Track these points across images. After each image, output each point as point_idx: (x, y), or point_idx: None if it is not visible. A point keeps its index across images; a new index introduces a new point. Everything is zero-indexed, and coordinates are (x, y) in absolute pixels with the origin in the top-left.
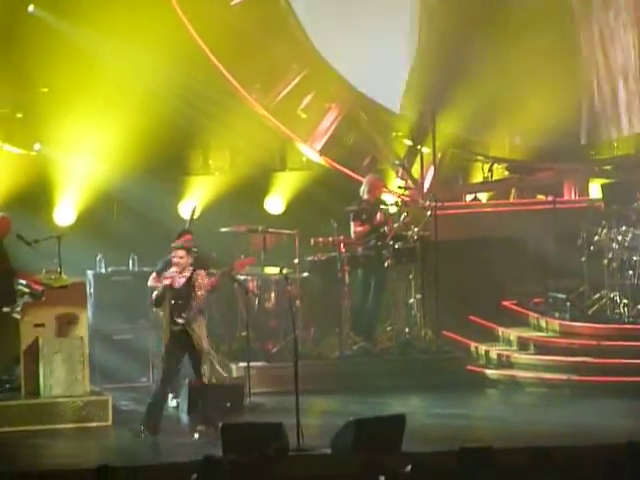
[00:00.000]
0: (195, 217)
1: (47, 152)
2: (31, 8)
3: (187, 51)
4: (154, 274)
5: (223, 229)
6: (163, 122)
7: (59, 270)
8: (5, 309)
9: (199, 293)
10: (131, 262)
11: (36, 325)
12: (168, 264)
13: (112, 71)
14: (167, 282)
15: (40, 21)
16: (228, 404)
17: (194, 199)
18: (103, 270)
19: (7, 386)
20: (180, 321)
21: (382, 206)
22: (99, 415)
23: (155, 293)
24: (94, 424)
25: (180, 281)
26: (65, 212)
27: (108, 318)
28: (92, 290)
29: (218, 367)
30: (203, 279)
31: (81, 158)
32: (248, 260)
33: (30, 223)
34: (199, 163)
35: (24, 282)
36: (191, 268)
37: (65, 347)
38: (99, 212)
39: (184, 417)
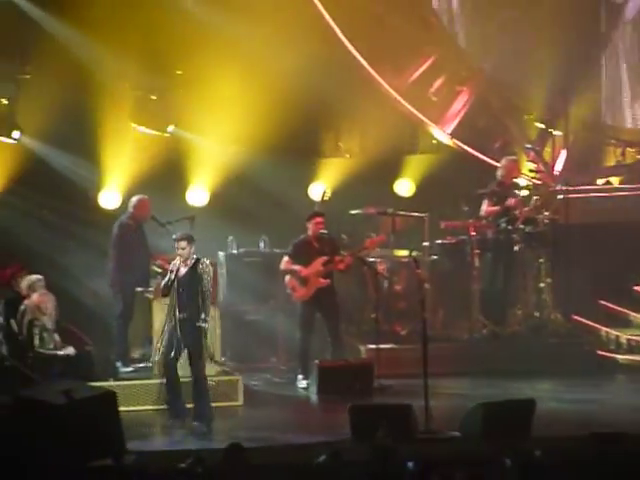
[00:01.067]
0: (325, 199)
1: (181, 134)
2: None
3: (320, 34)
4: (286, 257)
5: (353, 212)
6: (295, 105)
7: None
8: (139, 289)
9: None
10: (262, 244)
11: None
12: (299, 247)
13: (246, 54)
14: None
15: (175, 4)
16: (357, 385)
17: (324, 181)
18: (234, 251)
19: (140, 365)
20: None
21: (515, 190)
22: (230, 395)
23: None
24: (225, 404)
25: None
26: (198, 193)
27: (239, 299)
28: (223, 271)
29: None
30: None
31: (214, 140)
32: (379, 238)
33: (163, 204)
34: (330, 146)
35: (157, 263)
36: (195, 257)
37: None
38: (231, 194)
39: (314, 397)
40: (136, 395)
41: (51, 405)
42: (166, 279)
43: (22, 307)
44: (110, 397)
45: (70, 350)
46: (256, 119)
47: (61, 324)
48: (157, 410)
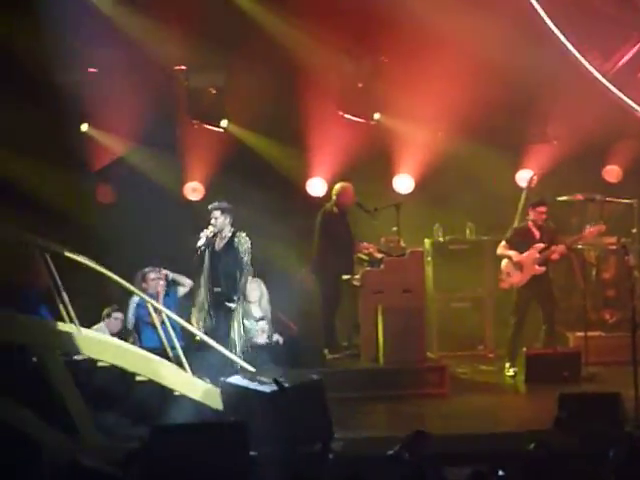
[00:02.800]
0: (532, 186)
1: (386, 121)
2: None
3: (527, 19)
4: (504, 242)
5: (560, 198)
6: (502, 91)
7: (398, 238)
8: (345, 277)
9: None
10: (468, 231)
11: (375, 292)
12: (519, 233)
13: (452, 40)
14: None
15: None
16: (565, 373)
17: (531, 168)
18: (441, 239)
19: (347, 352)
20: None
21: None
22: (436, 382)
23: None
24: (431, 391)
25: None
26: (404, 181)
27: (445, 287)
28: (430, 258)
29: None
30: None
31: (420, 127)
32: (598, 228)
33: (369, 191)
34: (537, 132)
35: (364, 250)
36: (232, 230)
37: (403, 315)
38: (437, 180)
39: (521, 386)
40: (343, 382)
41: (260, 393)
42: (198, 247)
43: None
44: (318, 384)
45: (277, 338)
46: (462, 105)
47: (270, 312)
48: (364, 397)
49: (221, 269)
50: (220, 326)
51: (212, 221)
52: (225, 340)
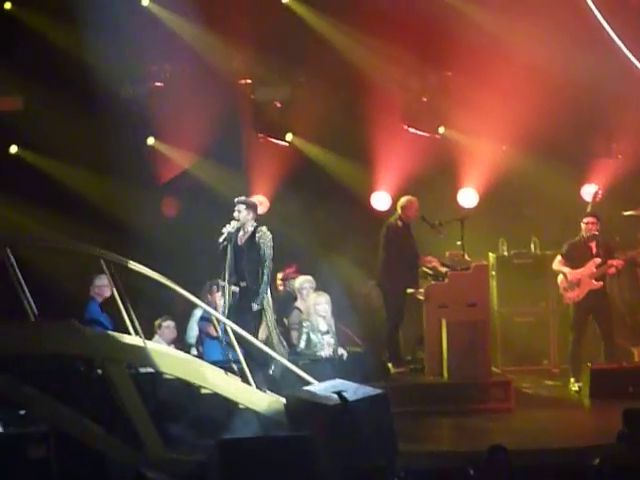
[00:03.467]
0: (597, 200)
1: (451, 135)
2: None
3: (590, 34)
4: (559, 257)
5: (626, 212)
6: (567, 105)
7: (462, 252)
8: (409, 290)
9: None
10: (532, 245)
11: (439, 306)
12: (574, 247)
13: (517, 54)
14: None
15: (447, 4)
16: (630, 388)
17: (596, 182)
18: (505, 253)
19: (411, 366)
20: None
21: None
22: (501, 397)
23: None
24: (496, 406)
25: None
26: (468, 194)
27: (510, 301)
28: (494, 272)
29: None
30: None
31: (485, 141)
32: None
33: (434, 205)
34: (602, 146)
35: (428, 264)
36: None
37: (468, 329)
38: (502, 194)
39: (586, 400)
40: (408, 396)
41: (324, 406)
42: (221, 241)
43: (293, 308)
44: (383, 398)
45: (342, 351)
46: (527, 119)
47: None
48: (428, 411)
49: (244, 264)
50: (246, 326)
51: (235, 214)
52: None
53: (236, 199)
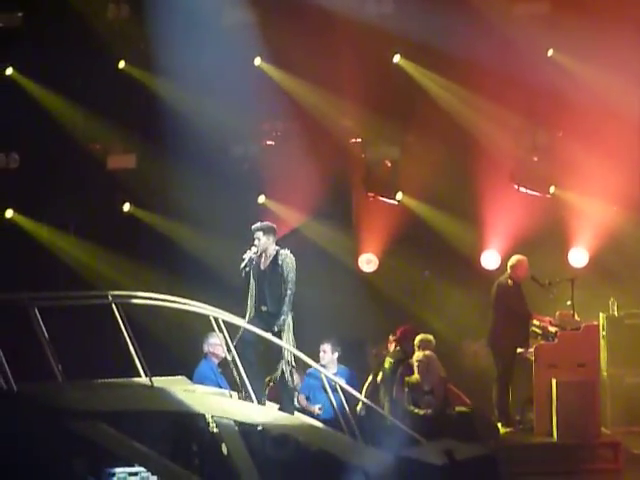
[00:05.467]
0: None
1: (561, 195)
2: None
3: None
4: None
5: None
6: None
7: (572, 312)
8: (519, 350)
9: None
10: None
11: (549, 366)
12: None
13: (627, 115)
14: None
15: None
16: None
17: None
18: (616, 313)
19: (520, 427)
20: None
21: None
22: (610, 458)
23: None
24: (605, 466)
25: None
26: (578, 254)
27: (620, 361)
28: (605, 333)
29: None
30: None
31: (595, 201)
32: None
33: (543, 265)
34: None
35: (538, 323)
36: (276, 248)
37: (578, 389)
38: (612, 255)
39: None
40: (517, 456)
41: (432, 465)
42: (242, 267)
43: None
44: (491, 459)
45: (451, 410)
46: (636, 178)
47: (444, 384)
48: (538, 472)
49: (267, 288)
50: (270, 350)
51: (255, 242)
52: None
53: (253, 227)
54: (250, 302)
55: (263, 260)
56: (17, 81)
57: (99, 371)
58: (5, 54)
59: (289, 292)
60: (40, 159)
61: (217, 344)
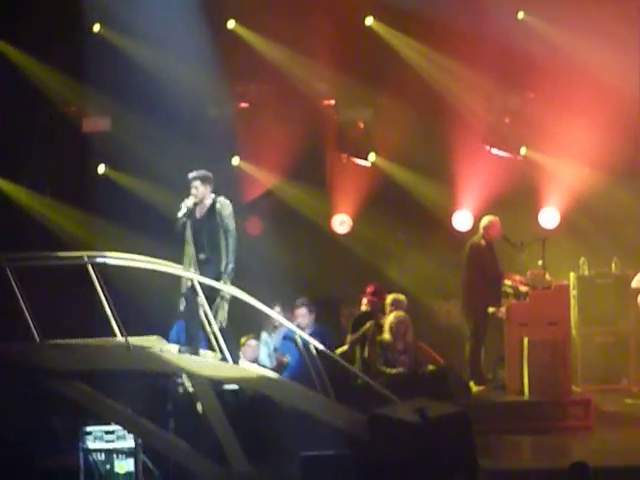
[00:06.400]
0: None
1: (533, 156)
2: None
3: None
4: (639, 276)
5: None
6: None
7: (543, 272)
8: (491, 309)
9: None
10: (614, 265)
11: (520, 325)
12: None
13: (597, 76)
14: None
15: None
16: None
17: None
18: (586, 272)
19: (492, 385)
20: None
21: None
22: (581, 416)
23: None
24: (576, 424)
25: None
26: (549, 215)
27: (590, 320)
28: (575, 292)
29: None
30: None
31: (566, 162)
32: None
33: (515, 225)
34: None
35: (510, 283)
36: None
37: (549, 348)
38: (583, 215)
39: None
40: (489, 414)
41: (405, 422)
42: (179, 218)
43: (368, 325)
44: (463, 416)
45: (423, 369)
46: (609, 141)
47: (415, 343)
48: (509, 429)
49: (205, 237)
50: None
51: (192, 191)
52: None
53: (190, 175)
54: (188, 251)
55: (199, 209)
56: None
57: (75, 331)
58: None
59: (231, 240)
60: (15, 122)
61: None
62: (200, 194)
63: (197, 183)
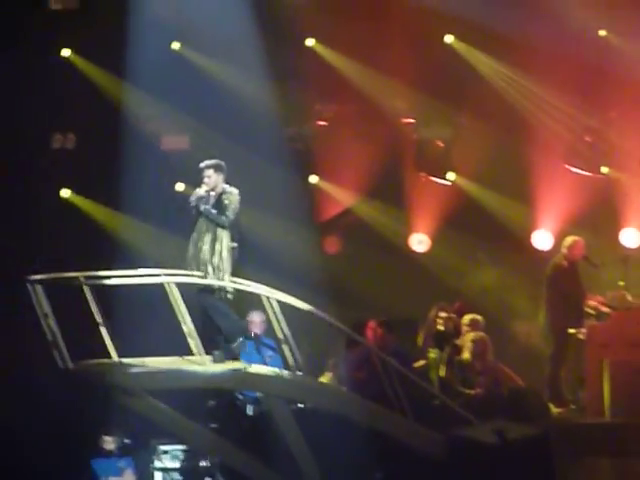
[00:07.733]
0: None
1: (614, 175)
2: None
3: None
4: None
5: None
6: None
7: (624, 292)
8: (572, 330)
9: None
10: None
11: (601, 346)
12: None
13: None
14: None
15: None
16: None
17: None
18: None
19: (572, 406)
20: None
21: None
22: None
23: None
24: None
25: None
26: (630, 235)
27: None
28: None
29: None
30: None
31: None
32: None
33: (596, 245)
34: None
35: (592, 304)
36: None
37: (630, 369)
38: None
39: None
40: (569, 436)
41: (484, 444)
42: (193, 206)
43: (450, 346)
44: (543, 438)
45: (502, 390)
46: None
47: (494, 364)
48: (589, 451)
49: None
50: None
51: (205, 180)
52: None
53: (202, 164)
54: (191, 241)
55: (211, 198)
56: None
57: (153, 349)
58: (62, 37)
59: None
60: (96, 140)
61: (255, 321)
62: (212, 182)
63: (210, 172)
